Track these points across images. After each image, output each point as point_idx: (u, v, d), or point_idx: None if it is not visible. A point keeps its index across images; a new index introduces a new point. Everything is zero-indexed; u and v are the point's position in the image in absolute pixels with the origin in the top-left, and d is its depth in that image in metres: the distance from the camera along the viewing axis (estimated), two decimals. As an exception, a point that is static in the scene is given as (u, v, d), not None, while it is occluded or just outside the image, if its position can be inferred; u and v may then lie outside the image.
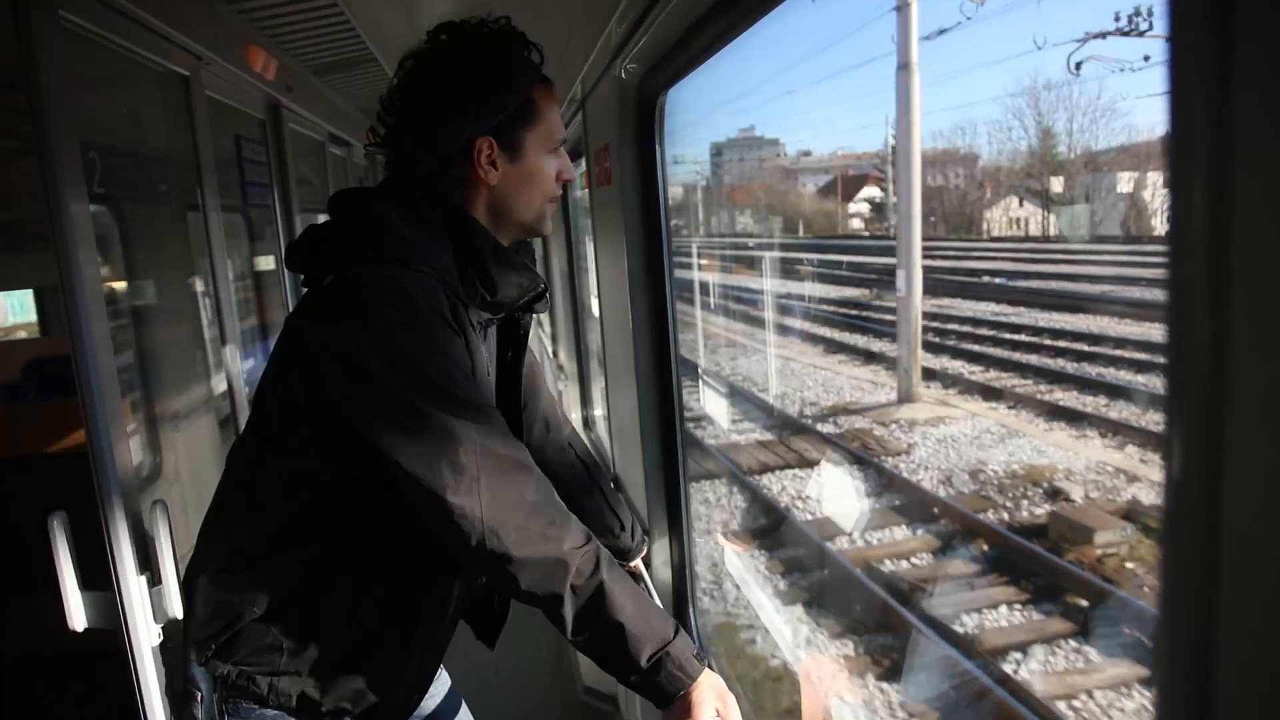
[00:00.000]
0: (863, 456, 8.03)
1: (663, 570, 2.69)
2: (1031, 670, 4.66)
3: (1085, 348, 10.96)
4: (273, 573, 1.64)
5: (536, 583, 1.50)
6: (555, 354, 6.48)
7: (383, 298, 1.49)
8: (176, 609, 2.06)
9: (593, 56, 2.51)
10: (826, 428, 9.19)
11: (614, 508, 2.26)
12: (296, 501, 1.65)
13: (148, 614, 2.04)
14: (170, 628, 2.10)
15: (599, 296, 3.29)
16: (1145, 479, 6.92)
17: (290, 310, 4.21)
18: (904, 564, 6.01)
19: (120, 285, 2.91)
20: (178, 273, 3.19)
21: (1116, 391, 9.06)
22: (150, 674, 2.05)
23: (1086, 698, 4.40)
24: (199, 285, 3.19)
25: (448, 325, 1.54)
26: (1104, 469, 7.34)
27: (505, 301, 1.71)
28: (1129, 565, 5.61)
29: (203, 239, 3.02)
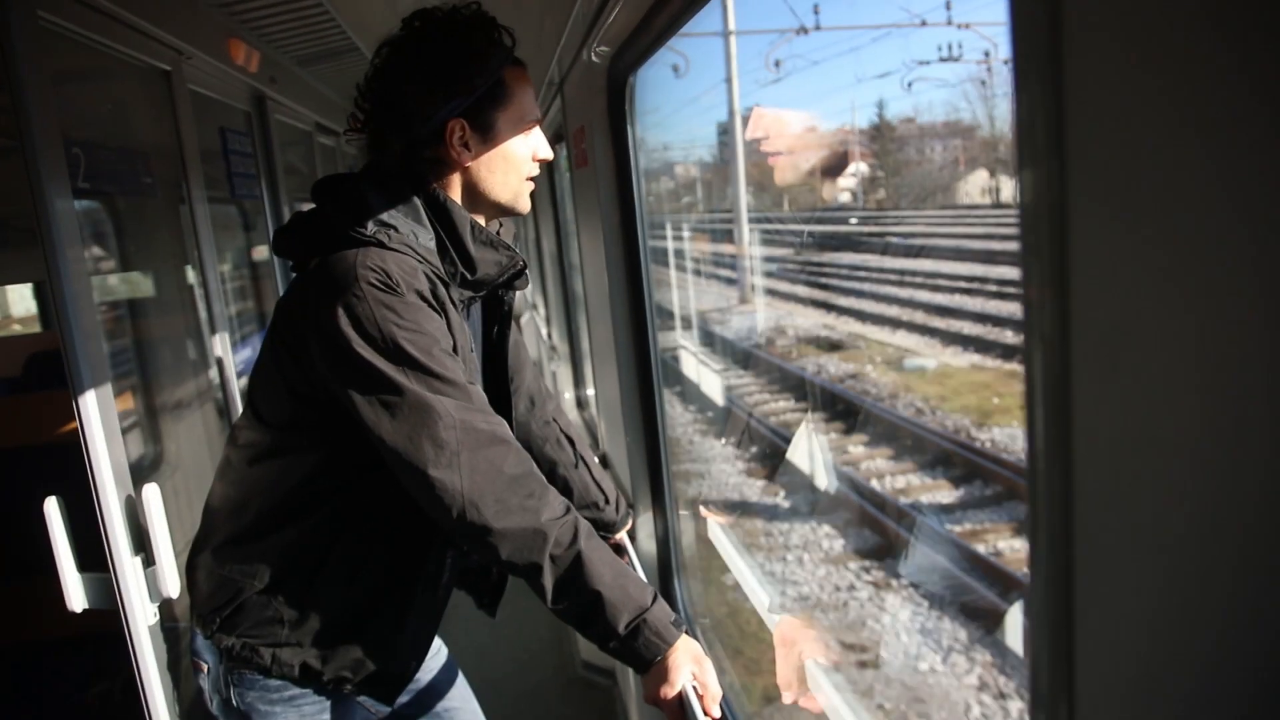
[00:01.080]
0: (698, 324, 14.14)
1: (647, 543, 2.75)
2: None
3: (894, 278, 16.47)
4: (271, 547, 1.71)
5: (516, 552, 1.56)
6: (550, 335, 6.52)
7: (364, 278, 1.54)
8: (172, 589, 2.13)
9: (563, 40, 2.54)
10: (693, 319, 14.67)
11: (598, 481, 2.31)
12: (292, 477, 1.71)
13: (143, 594, 2.11)
14: (166, 607, 2.17)
15: (582, 279, 3.32)
16: (832, 327, 13.41)
17: (280, 292, 4.28)
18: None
19: (109, 278, 2.96)
20: (165, 264, 3.24)
21: (865, 295, 15.42)
22: (148, 652, 2.12)
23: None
24: (187, 276, 3.24)
25: (428, 303, 1.59)
26: (816, 325, 13.78)
27: (485, 279, 1.77)
28: (792, 355, 12.22)
29: (190, 231, 3.06)
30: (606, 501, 2.34)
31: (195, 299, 3.22)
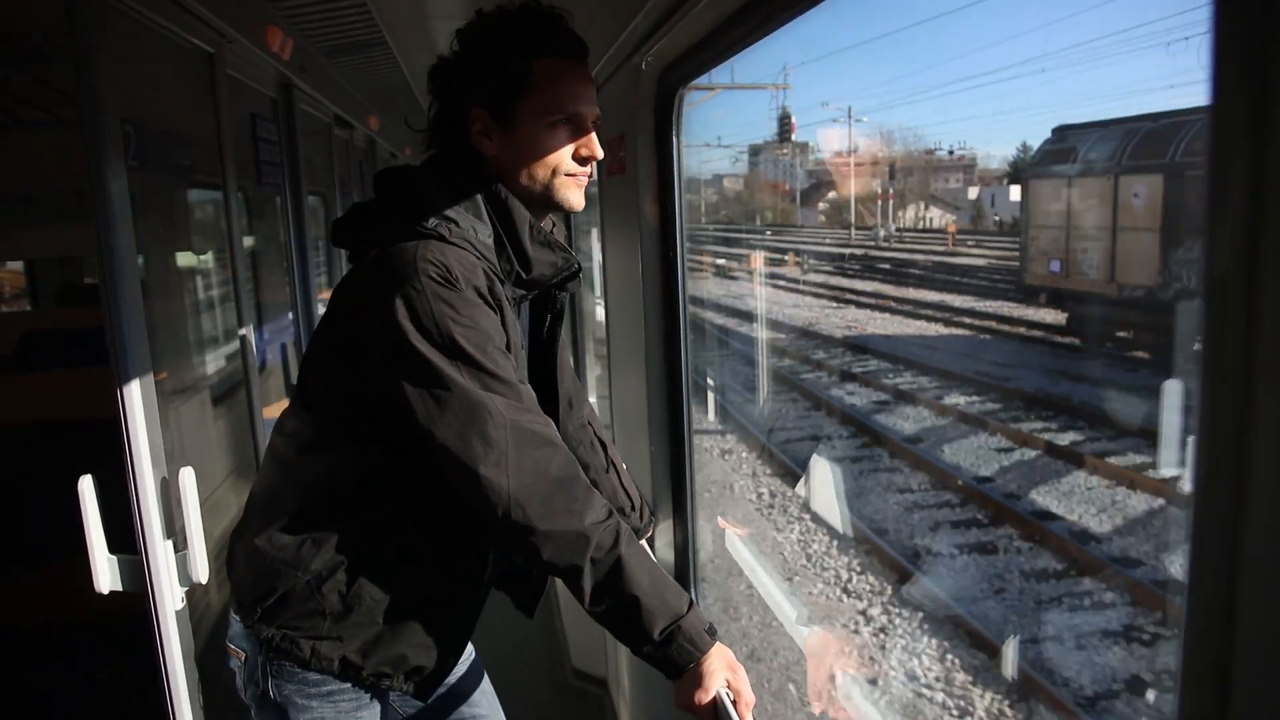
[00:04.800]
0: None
1: (665, 551, 2.75)
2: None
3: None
4: (318, 539, 1.69)
5: (557, 554, 1.56)
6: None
7: (424, 271, 1.54)
8: (202, 574, 2.11)
9: (613, 48, 2.55)
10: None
11: (626, 487, 2.31)
12: (341, 470, 1.70)
13: (173, 578, 2.09)
14: (194, 592, 2.15)
15: (604, 284, 3.31)
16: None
17: (297, 284, 4.27)
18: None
19: (141, 258, 2.93)
20: (197, 247, 3.21)
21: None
22: (174, 637, 2.10)
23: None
24: (216, 260, 3.22)
25: (485, 300, 1.59)
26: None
27: (539, 279, 1.76)
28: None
29: (222, 215, 3.04)
30: (633, 508, 2.34)
31: (222, 283, 3.20)
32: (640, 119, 2.55)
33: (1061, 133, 17.03)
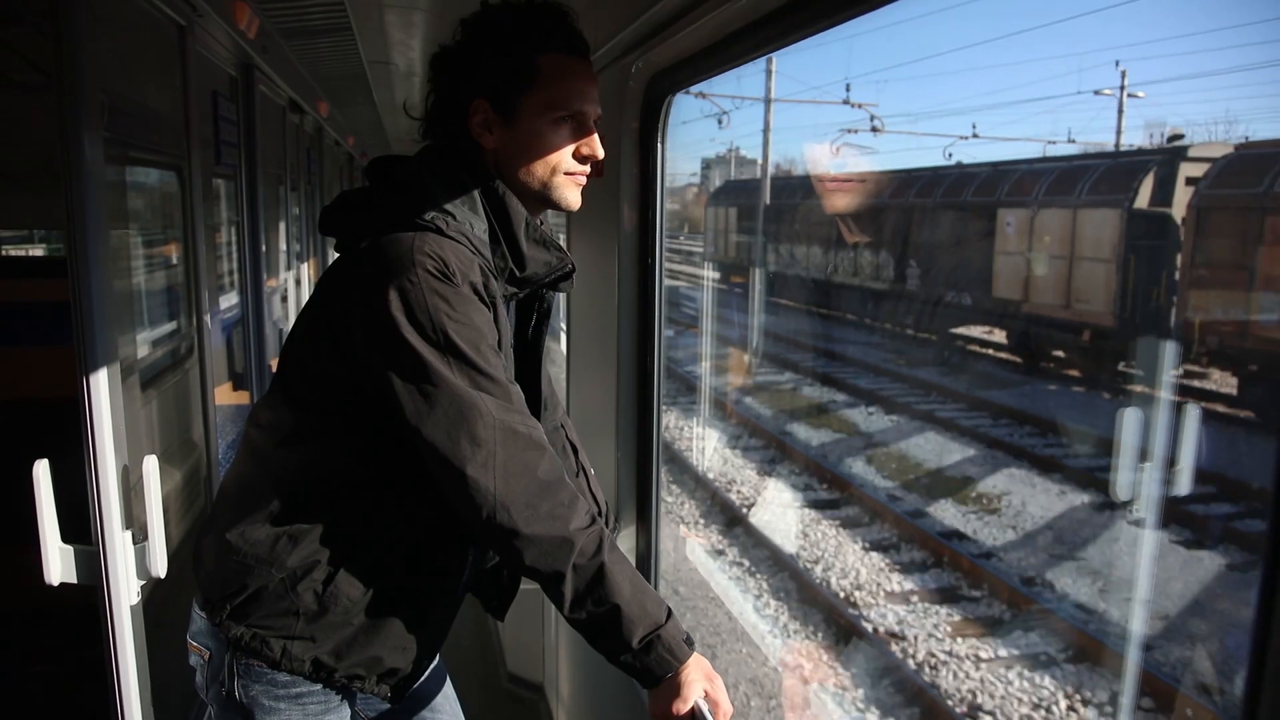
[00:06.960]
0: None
1: (628, 557, 2.73)
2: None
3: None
4: (292, 535, 1.63)
5: (540, 559, 1.54)
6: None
7: (420, 264, 1.50)
8: (160, 567, 2.02)
9: (603, 49, 2.53)
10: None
11: (594, 492, 2.29)
12: (321, 464, 1.65)
13: (130, 571, 1.99)
14: (150, 586, 2.05)
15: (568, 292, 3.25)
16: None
17: (248, 270, 4.12)
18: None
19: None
20: (155, 227, 3.08)
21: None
22: (127, 633, 2.00)
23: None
24: (175, 240, 3.09)
25: (479, 296, 1.56)
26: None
27: (532, 278, 1.72)
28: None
29: (184, 195, 2.92)
30: (600, 514, 2.32)
31: (179, 264, 3.07)
32: (626, 121, 2.55)
33: (724, 184, 35.77)
